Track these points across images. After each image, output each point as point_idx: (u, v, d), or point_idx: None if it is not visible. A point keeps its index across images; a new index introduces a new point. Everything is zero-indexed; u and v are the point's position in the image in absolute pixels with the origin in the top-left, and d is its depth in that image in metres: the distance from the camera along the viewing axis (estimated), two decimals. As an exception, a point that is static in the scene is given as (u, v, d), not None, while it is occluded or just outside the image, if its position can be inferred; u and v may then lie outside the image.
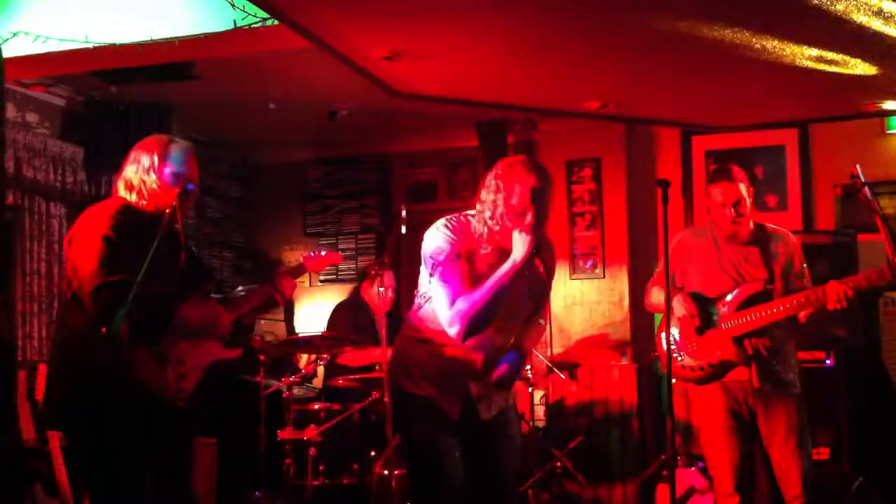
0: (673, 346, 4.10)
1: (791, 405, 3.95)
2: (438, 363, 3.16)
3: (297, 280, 3.67)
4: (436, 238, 3.10)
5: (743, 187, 3.99)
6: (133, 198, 3.25)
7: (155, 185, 3.23)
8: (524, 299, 3.22)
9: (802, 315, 3.86)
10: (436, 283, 3.06)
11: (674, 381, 4.10)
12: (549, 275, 3.26)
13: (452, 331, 3.03)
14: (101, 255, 3.04)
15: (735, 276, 4.01)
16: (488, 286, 3.00)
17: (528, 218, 3.01)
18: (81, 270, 3.08)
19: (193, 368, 3.26)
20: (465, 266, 3.06)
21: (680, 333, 4.09)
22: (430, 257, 3.08)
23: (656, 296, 4.19)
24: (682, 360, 4.08)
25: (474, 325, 3.03)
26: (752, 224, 4.06)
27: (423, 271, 3.18)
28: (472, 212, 3.16)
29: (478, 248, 3.10)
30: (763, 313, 3.89)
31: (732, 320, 3.95)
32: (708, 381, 4.02)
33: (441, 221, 3.14)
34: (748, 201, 4.00)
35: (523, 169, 3.06)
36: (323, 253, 3.94)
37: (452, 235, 3.08)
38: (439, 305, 3.05)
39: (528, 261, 3.03)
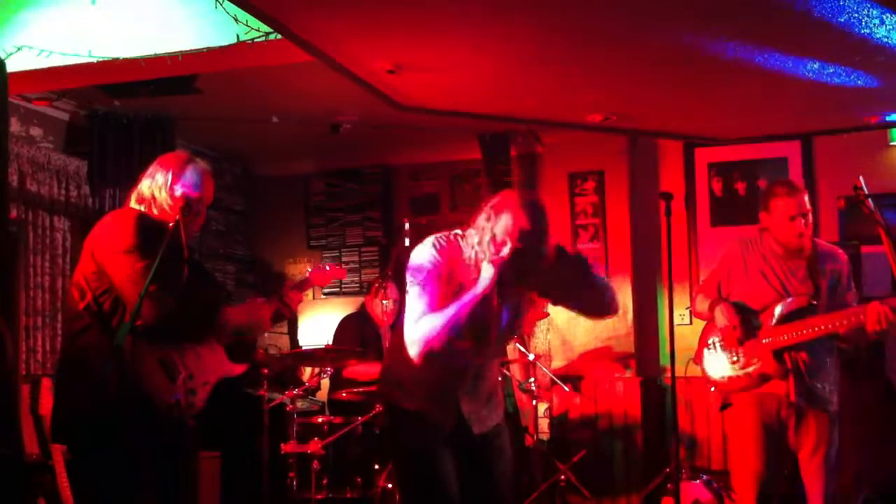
0: (713, 355, 4.16)
1: (824, 421, 3.99)
2: (430, 374, 3.14)
3: (304, 294, 3.69)
4: (421, 255, 3.08)
5: (807, 199, 4.03)
6: (153, 210, 3.28)
7: (165, 203, 3.25)
8: (506, 325, 3.20)
9: (843, 330, 3.91)
10: (409, 300, 3.06)
11: (712, 388, 4.16)
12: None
13: (411, 351, 3.00)
14: (140, 262, 3.06)
15: (780, 290, 4.03)
16: (447, 314, 2.97)
17: (505, 251, 2.96)
18: (120, 278, 3.09)
19: (204, 384, 3.27)
20: (443, 288, 3.03)
21: (721, 343, 4.11)
22: (410, 274, 3.07)
23: (700, 304, 4.25)
24: (721, 369, 4.11)
25: (430, 348, 2.99)
26: None
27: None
28: (461, 232, 3.13)
29: (464, 272, 3.07)
30: (806, 330, 3.92)
31: (774, 333, 3.97)
32: (746, 391, 4.06)
33: (431, 239, 3.12)
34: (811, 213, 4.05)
35: (518, 205, 2.99)
36: (328, 267, 3.97)
37: (437, 256, 3.06)
38: (406, 322, 3.04)
39: (498, 292, 3.00)
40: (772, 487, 4.02)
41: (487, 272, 2.98)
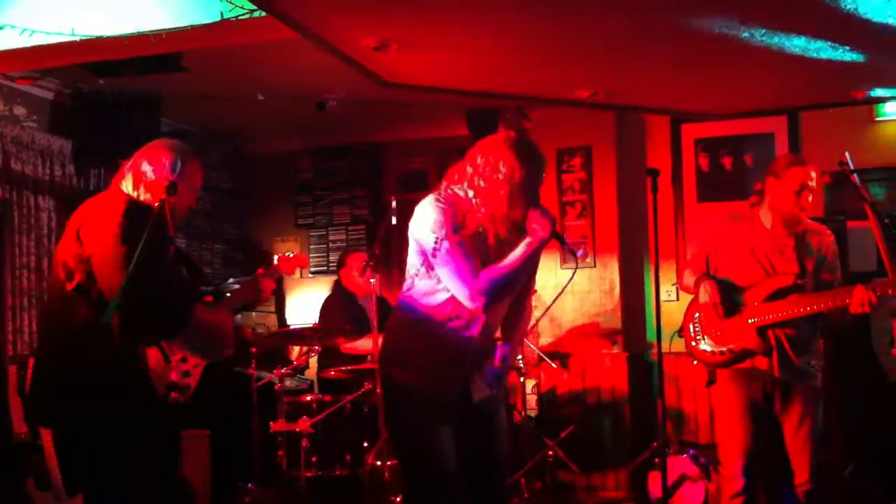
0: (697, 329, 4.19)
1: (809, 396, 4.04)
2: (434, 347, 3.16)
3: (275, 280, 3.76)
4: (431, 213, 3.10)
5: (815, 174, 4.08)
6: (142, 196, 3.27)
7: (154, 188, 3.25)
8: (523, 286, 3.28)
9: (826, 310, 3.96)
10: (444, 258, 3.05)
11: (695, 362, 4.20)
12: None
13: (474, 304, 3.06)
14: (123, 252, 3.05)
15: (767, 267, 4.07)
16: (511, 263, 3.04)
17: (525, 194, 3.05)
18: (102, 267, 3.08)
19: (196, 366, 3.30)
20: (466, 236, 3.07)
21: (704, 318, 4.15)
22: (431, 232, 3.07)
23: (687, 279, 4.29)
24: (705, 343, 4.13)
25: (494, 299, 3.08)
26: None
27: (414, 249, 3.17)
28: (457, 187, 3.16)
29: (468, 221, 3.11)
30: (791, 310, 3.95)
31: (759, 312, 4.00)
32: (727, 366, 4.10)
33: (430, 197, 3.15)
34: None
35: (509, 143, 3.14)
36: (291, 255, 4.15)
37: (446, 208, 3.09)
38: (454, 280, 3.05)
39: (546, 240, 3.06)
40: (758, 461, 4.07)
41: (546, 219, 3.04)
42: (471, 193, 3.11)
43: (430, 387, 3.16)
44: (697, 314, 4.21)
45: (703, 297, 4.09)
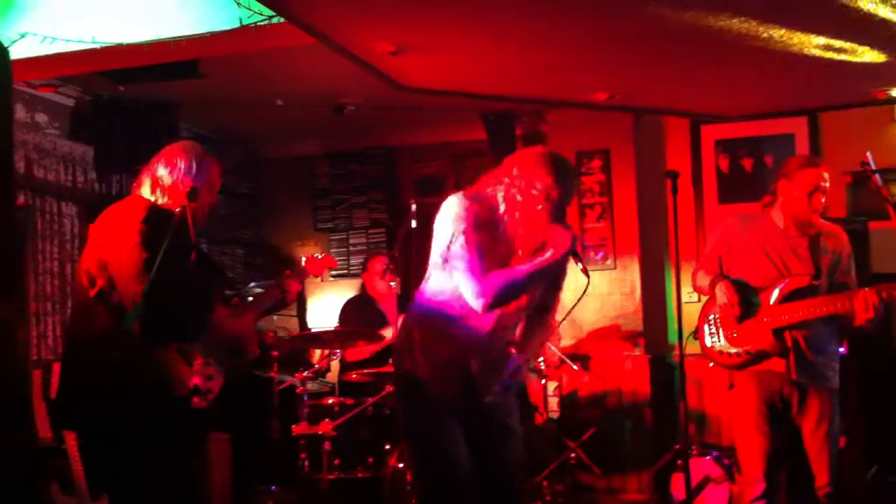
0: (713, 331, 4.18)
1: (826, 398, 4.01)
2: (443, 341, 3.16)
3: (302, 283, 3.78)
4: (454, 207, 3.10)
5: (827, 176, 4.04)
6: (160, 200, 3.28)
7: (176, 192, 3.26)
8: (546, 289, 3.26)
9: (842, 311, 3.92)
10: (458, 252, 3.06)
11: (711, 364, 4.21)
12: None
13: (478, 302, 3.04)
14: (141, 258, 3.07)
15: (781, 268, 4.04)
16: (524, 270, 3.05)
17: (556, 212, 3.05)
18: (119, 273, 3.10)
19: (220, 370, 3.31)
20: (486, 238, 3.07)
21: (720, 319, 4.13)
22: (450, 224, 3.08)
23: (701, 279, 4.27)
24: (720, 345, 4.12)
25: (499, 302, 3.07)
26: None
27: (437, 240, 3.17)
28: (488, 189, 3.16)
29: (492, 225, 3.11)
30: (806, 310, 3.93)
31: (773, 312, 3.97)
32: (744, 367, 4.08)
33: (460, 194, 3.15)
34: None
35: (548, 161, 3.10)
36: (320, 256, 4.19)
37: (470, 204, 3.10)
38: (464, 275, 3.05)
39: (565, 255, 3.08)
40: (777, 464, 4.04)
41: (565, 236, 3.05)
42: (501, 202, 3.11)
43: (434, 382, 3.16)
44: (713, 316, 4.19)
45: (721, 297, 4.07)
